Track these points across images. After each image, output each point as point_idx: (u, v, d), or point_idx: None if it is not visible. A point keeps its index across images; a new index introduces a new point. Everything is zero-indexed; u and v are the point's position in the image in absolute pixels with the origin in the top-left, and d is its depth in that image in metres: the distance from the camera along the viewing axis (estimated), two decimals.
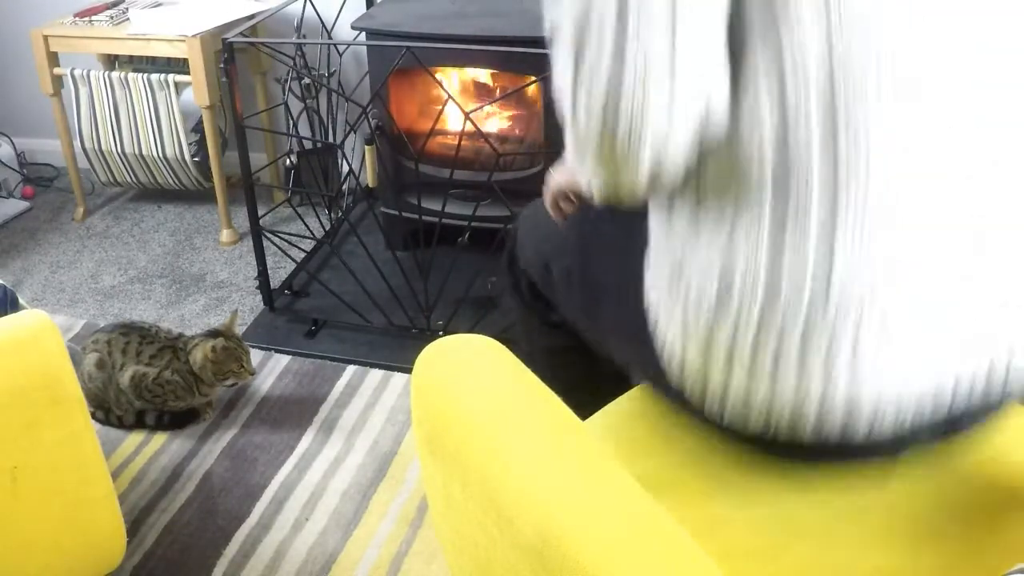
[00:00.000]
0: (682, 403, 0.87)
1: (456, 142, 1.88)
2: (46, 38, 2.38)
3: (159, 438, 1.77)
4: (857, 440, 0.77)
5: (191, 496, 1.62)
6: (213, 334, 1.76)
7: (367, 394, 1.87)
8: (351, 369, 1.95)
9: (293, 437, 1.76)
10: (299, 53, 2.26)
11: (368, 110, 1.86)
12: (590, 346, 1.08)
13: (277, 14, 2.22)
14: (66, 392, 1.17)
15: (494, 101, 2.11)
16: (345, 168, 2.08)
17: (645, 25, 0.66)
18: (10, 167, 2.80)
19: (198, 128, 2.45)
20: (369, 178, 2.12)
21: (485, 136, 1.89)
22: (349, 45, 2.45)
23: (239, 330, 2.05)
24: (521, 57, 1.89)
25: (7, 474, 1.14)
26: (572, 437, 0.78)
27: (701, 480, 0.93)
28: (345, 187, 2.36)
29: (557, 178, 1.08)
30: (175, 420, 1.78)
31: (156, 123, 2.41)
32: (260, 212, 2.05)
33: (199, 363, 1.73)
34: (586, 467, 0.74)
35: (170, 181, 2.54)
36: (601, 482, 0.72)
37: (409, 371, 1.95)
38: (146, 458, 1.72)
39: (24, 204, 2.77)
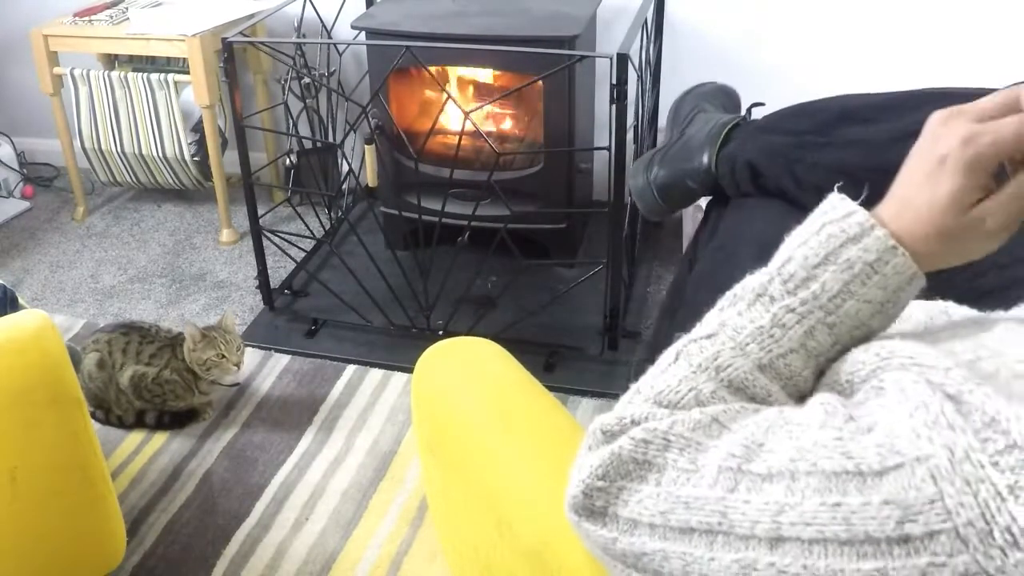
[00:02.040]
0: None
1: (456, 142, 1.88)
2: (46, 38, 2.38)
3: (159, 438, 1.77)
4: None
5: (191, 496, 1.62)
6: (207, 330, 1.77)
7: (367, 394, 1.87)
8: (351, 369, 1.95)
9: (293, 437, 1.76)
10: (299, 53, 2.26)
11: (368, 110, 1.86)
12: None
13: (277, 14, 2.21)
14: (66, 392, 1.17)
15: (494, 101, 2.11)
16: (345, 168, 2.08)
17: None
18: (10, 167, 2.79)
19: (198, 128, 2.45)
20: (369, 178, 2.12)
21: (485, 136, 1.89)
22: (349, 45, 2.45)
23: (239, 329, 2.05)
24: (521, 57, 1.89)
25: (7, 474, 1.14)
26: (573, 440, 0.78)
27: None
28: (345, 187, 2.36)
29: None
30: (175, 420, 1.78)
31: (156, 123, 2.41)
32: (260, 212, 2.05)
33: (186, 355, 1.73)
34: None
35: (170, 181, 2.54)
36: None
37: (409, 371, 1.94)
38: (146, 458, 1.72)
39: (24, 204, 2.77)
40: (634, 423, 0.58)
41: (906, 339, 0.58)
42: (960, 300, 0.89)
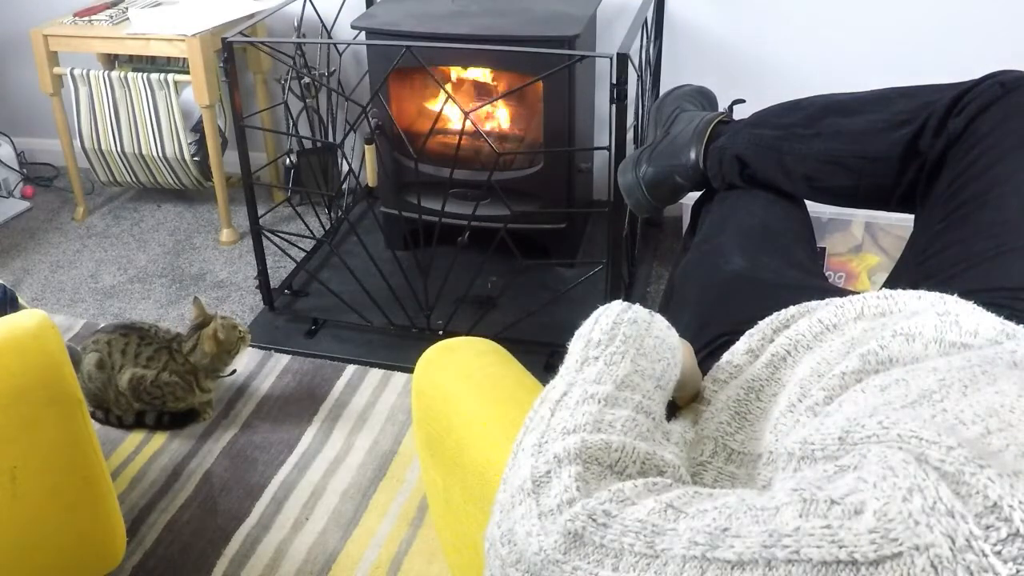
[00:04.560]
0: None
1: (456, 141, 1.88)
2: (46, 38, 2.38)
3: (159, 438, 1.77)
4: None
5: (191, 496, 1.62)
6: (199, 327, 1.77)
7: (367, 393, 1.87)
8: (351, 369, 1.95)
9: (293, 436, 1.76)
10: (299, 52, 2.26)
11: (368, 109, 1.86)
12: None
13: (277, 13, 2.21)
14: (66, 392, 1.17)
15: (494, 100, 2.11)
16: (345, 167, 2.08)
17: None
18: (10, 167, 2.80)
19: (198, 127, 2.45)
20: (369, 177, 2.12)
21: (485, 136, 1.89)
22: (349, 44, 2.45)
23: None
24: (521, 57, 1.89)
25: (7, 474, 1.14)
26: None
27: None
28: (345, 186, 2.36)
29: None
30: (175, 420, 1.78)
31: (156, 123, 2.41)
32: (260, 212, 2.05)
33: (209, 354, 1.73)
34: None
35: (170, 181, 2.54)
36: None
37: (409, 371, 1.94)
38: (146, 458, 1.72)
39: (24, 204, 2.77)
40: (570, 461, 0.59)
41: (913, 403, 0.56)
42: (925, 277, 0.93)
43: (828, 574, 0.46)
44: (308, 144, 2.54)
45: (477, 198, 1.85)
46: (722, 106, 1.42)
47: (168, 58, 2.41)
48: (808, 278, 1.07)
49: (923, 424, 0.51)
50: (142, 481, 1.66)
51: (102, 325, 1.88)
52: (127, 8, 2.47)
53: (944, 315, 0.71)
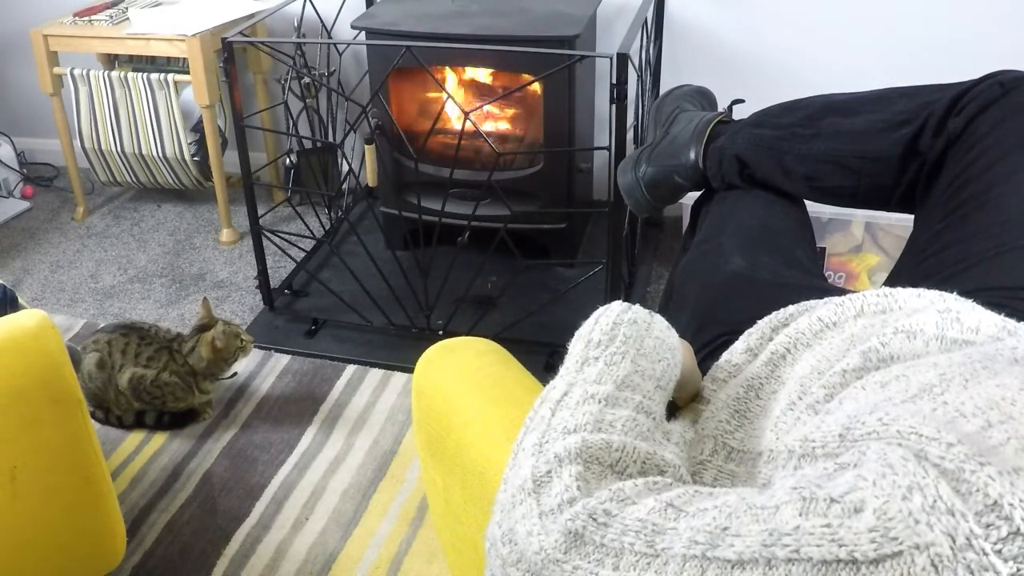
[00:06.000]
0: None
1: (456, 141, 1.88)
2: (46, 38, 2.38)
3: (159, 438, 1.77)
4: None
5: (191, 496, 1.62)
6: (202, 329, 1.77)
7: (367, 393, 1.87)
8: (351, 368, 1.95)
9: (293, 436, 1.76)
10: (299, 52, 2.26)
11: (368, 109, 1.86)
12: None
13: (277, 14, 2.21)
14: (66, 392, 1.17)
15: (494, 100, 2.11)
16: (345, 167, 2.08)
17: None
18: (10, 167, 2.80)
19: (198, 127, 2.45)
20: (369, 177, 2.12)
21: (484, 136, 1.89)
22: (349, 44, 2.45)
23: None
24: (521, 57, 1.89)
25: (7, 474, 1.14)
26: None
27: None
28: (345, 186, 2.36)
29: None
30: (175, 420, 1.78)
31: (156, 123, 2.41)
32: (260, 211, 2.05)
33: (206, 360, 1.73)
34: None
35: (170, 181, 2.54)
36: None
37: (409, 371, 1.94)
38: (146, 458, 1.72)
39: (24, 204, 2.77)
40: (571, 461, 0.59)
41: (913, 397, 0.56)
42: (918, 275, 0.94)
43: (828, 573, 0.45)
44: (308, 144, 2.55)
45: (477, 198, 1.85)
46: (722, 106, 1.42)
47: (168, 58, 2.41)
48: (808, 278, 1.07)
49: (923, 420, 0.51)
50: (142, 481, 1.66)
51: (102, 325, 1.88)
52: (127, 8, 2.48)
53: (945, 312, 0.71)
